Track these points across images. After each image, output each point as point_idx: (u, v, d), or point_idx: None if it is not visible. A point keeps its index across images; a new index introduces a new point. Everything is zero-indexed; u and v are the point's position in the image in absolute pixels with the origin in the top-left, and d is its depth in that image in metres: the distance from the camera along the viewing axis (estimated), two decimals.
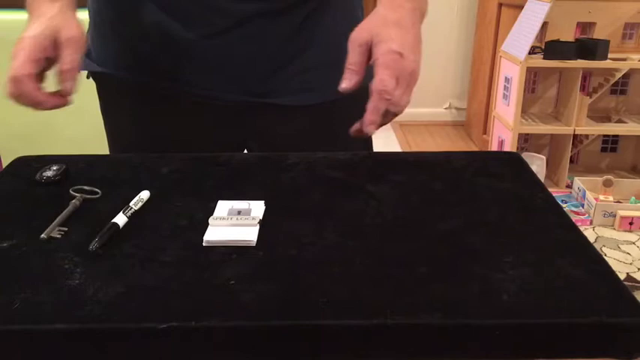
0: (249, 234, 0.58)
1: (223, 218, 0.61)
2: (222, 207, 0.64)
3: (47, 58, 0.68)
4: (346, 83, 0.67)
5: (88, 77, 0.89)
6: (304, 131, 0.86)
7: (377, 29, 0.67)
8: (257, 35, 0.78)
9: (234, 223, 0.60)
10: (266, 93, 0.82)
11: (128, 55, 0.82)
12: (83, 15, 0.85)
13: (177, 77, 0.81)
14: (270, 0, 0.77)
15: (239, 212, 0.62)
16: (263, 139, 0.88)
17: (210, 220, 0.60)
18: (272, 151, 0.80)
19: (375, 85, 0.64)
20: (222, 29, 0.77)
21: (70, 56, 0.68)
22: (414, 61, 0.66)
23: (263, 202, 0.64)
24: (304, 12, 0.80)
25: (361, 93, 0.80)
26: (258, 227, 0.59)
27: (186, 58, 0.78)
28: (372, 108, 0.64)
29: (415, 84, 0.66)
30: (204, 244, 0.57)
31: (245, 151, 0.96)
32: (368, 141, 0.94)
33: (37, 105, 0.68)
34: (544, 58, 2.43)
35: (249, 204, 0.64)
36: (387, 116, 0.66)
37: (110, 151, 0.93)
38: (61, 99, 0.69)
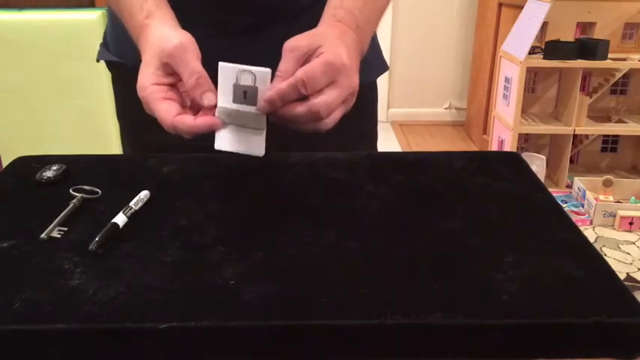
0: (256, 145, 0.59)
1: (230, 114, 0.60)
2: (226, 84, 0.60)
3: (176, 82, 0.62)
4: (273, 92, 0.58)
5: (98, 61, 0.91)
6: None
7: (321, 40, 0.60)
8: (263, 38, 0.80)
9: (240, 122, 0.60)
10: None
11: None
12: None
13: None
14: (269, 13, 0.78)
15: (245, 94, 0.59)
16: (270, 135, 0.89)
17: (218, 112, 0.59)
18: (278, 146, 0.81)
19: (298, 72, 0.56)
20: (225, 34, 0.79)
21: (187, 71, 0.60)
22: (356, 84, 0.59)
23: (269, 70, 0.59)
24: (310, 15, 0.82)
25: (368, 87, 0.81)
26: (264, 135, 0.60)
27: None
28: (281, 89, 0.57)
29: (347, 109, 0.60)
30: (215, 148, 0.58)
31: None
32: (372, 140, 0.94)
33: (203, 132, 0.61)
34: (544, 58, 2.43)
35: (254, 76, 0.59)
36: (293, 117, 0.58)
37: (122, 139, 0.93)
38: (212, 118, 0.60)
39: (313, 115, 0.58)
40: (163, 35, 0.63)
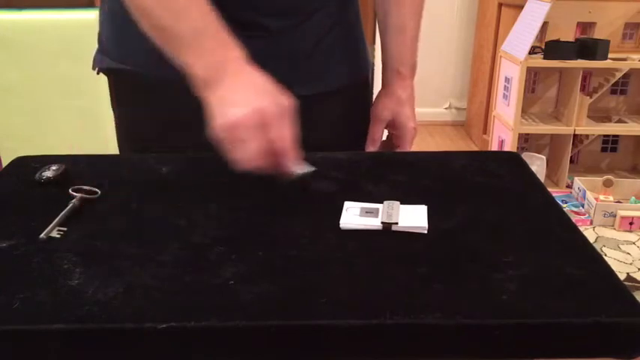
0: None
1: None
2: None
3: None
4: (371, 149, 0.89)
5: (98, 73, 0.89)
6: (315, 120, 0.89)
7: (397, 109, 0.88)
8: (277, 40, 0.81)
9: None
10: (284, 84, 0.84)
11: (151, 52, 0.83)
12: (95, 13, 0.86)
13: None
14: (291, 17, 0.79)
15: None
16: None
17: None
18: None
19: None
20: (245, 35, 0.79)
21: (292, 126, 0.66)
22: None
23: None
24: (317, 18, 0.84)
25: (361, 86, 0.94)
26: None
27: None
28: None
29: None
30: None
31: None
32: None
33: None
34: (544, 58, 2.43)
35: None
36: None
37: (119, 147, 0.93)
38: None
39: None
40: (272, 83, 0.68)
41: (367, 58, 0.97)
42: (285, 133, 0.64)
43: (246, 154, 0.63)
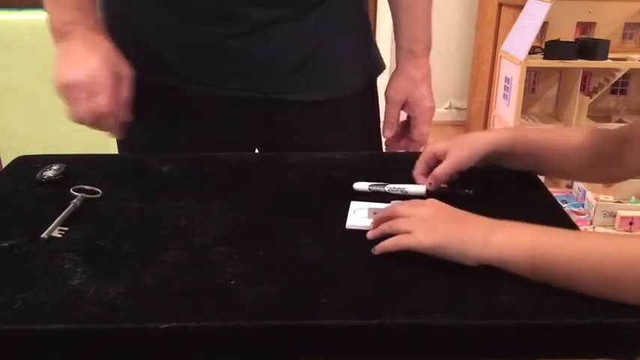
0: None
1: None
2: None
3: None
4: (388, 132, 0.88)
5: None
6: (319, 125, 0.87)
7: (410, 89, 0.86)
8: (274, 38, 0.79)
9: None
10: (282, 90, 0.83)
11: (146, 56, 0.83)
12: None
13: (194, 76, 0.81)
14: (285, 6, 0.78)
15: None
16: (278, 138, 0.88)
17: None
18: (286, 149, 0.81)
19: (419, 137, 0.87)
20: (241, 32, 0.78)
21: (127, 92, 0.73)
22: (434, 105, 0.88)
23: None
24: (317, 15, 0.82)
25: (369, 89, 0.91)
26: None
27: (204, 57, 0.79)
28: (409, 149, 0.87)
29: None
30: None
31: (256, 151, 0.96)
32: (377, 140, 0.95)
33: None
34: (544, 58, 2.43)
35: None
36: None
37: (119, 150, 0.93)
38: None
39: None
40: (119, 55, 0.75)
41: (377, 60, 0.93)
42: (113, 99, 0.70)
43: (78, 112, 0.70)
